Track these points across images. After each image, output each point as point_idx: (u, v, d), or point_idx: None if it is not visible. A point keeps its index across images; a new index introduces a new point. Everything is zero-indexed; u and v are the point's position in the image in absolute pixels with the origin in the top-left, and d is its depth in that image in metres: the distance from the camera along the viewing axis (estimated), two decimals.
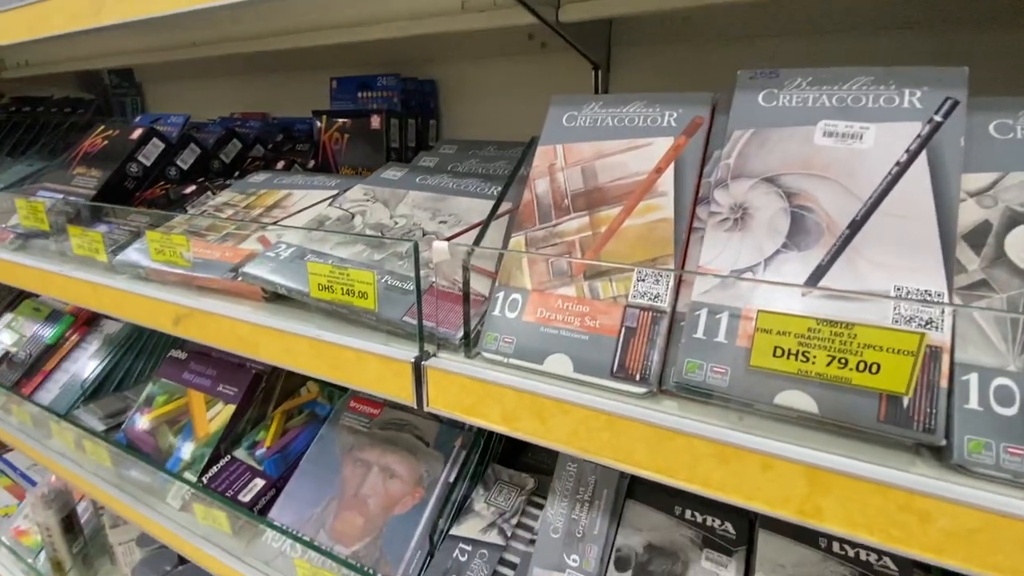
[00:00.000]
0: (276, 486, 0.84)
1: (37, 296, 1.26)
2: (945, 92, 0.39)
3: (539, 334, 0.43)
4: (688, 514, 0.61)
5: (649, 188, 0.45)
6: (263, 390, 0.96)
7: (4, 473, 1.61)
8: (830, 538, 0.56)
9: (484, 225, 0.47)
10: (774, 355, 0.33)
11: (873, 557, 0.55)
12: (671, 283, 0.40)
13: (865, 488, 0.31)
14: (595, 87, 0.85)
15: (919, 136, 0.40)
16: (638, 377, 0.39)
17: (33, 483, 1.54)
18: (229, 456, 0.89)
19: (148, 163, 0.87)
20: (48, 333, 1.19)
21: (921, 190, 0.38)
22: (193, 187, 0.83)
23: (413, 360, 0.46)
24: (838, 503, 0.31)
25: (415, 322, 0.48)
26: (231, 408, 0.93)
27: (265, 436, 0.92)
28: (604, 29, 0.81)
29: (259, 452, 0.89)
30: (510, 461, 0.80)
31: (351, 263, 0.56)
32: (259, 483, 0.84)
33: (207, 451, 0.88)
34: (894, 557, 0.55)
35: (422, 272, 0.52)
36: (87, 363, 1.14)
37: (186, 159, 0.91)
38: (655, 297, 0.40)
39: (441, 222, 0.61)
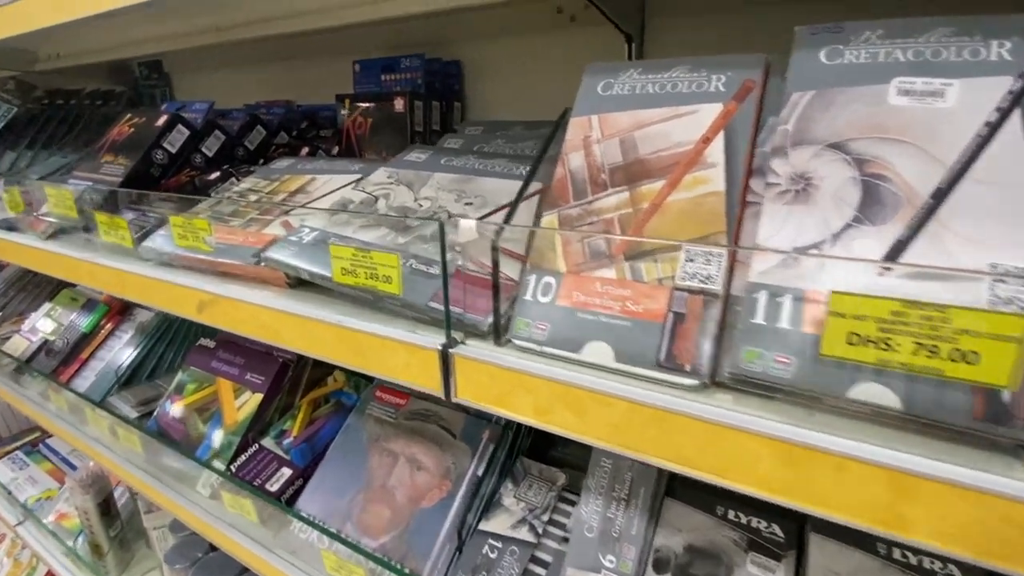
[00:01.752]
0: (303, 475, 0.83)
1: (75, 286, 1.29)
2: None
3: (575, 320, 0.40)
4: (731, 514, 0.57)
5: (696, 159, 0.41)
6: (290, 379, 0.95)
7: (47, 458, 1.67)
8: (890, 543, 0.51)
9: (513, 205, 0.44)
10: (849, 343, 0.29)
11: (938, 565, 0.51)
12: (724, 262, 0.36)
13: (959, 496, 0.27)
14: (632, 60, 0.80)
15: (1011, 92, 0.34)
16: (688, 368, 0.35)
17: (74, 468, 1.59)
18: (257, 445, 0.88)
19: (173, 150, 0.86)
20: (84, 322, 1.21)
21: (1016, 153, 0.33)
22: (217, 173, 0.82)
23: (440, 348, 0.43)
24: (926, 512, 0.27)
25: (441, 307, 0.45)
26: (259, 397, 0.93)
27: (292, 425, 0.91)
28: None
29: (286, 441, 0.89)
30: (539, 454, 0.77)
31: (375, 246, 0.53)
32: (286, 472, 0.83)
33: (235, 439, 0.88)
34: (962, 566, 0.50)
35: (448, 256, 0.50)
36: (121, 351, 1.15)
37: (211, 146, 0.90)
38: (706, 279, 0.36)
39: (467, 204, 0.58)
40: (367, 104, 0.88)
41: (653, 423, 0.35)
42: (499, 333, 0.42)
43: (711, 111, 0.42)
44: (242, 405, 0.94)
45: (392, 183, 0.65)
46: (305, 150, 0.95)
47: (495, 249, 0.40)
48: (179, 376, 1.03)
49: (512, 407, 0.40)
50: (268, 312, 0.55)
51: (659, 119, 0.44)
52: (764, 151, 0.40)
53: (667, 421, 0.34)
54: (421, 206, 0.59)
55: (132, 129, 0.89)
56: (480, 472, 0.73)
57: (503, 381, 0.40)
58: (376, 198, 0.62)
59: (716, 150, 0.40)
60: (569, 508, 0.70)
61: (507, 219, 0.47)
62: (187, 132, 0.87)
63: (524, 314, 0.42)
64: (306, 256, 0.54)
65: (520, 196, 0.46)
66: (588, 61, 0.88)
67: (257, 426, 0.92)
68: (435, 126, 0.91)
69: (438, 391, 0.44)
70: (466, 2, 0.80)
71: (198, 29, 1.02)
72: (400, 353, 0.46)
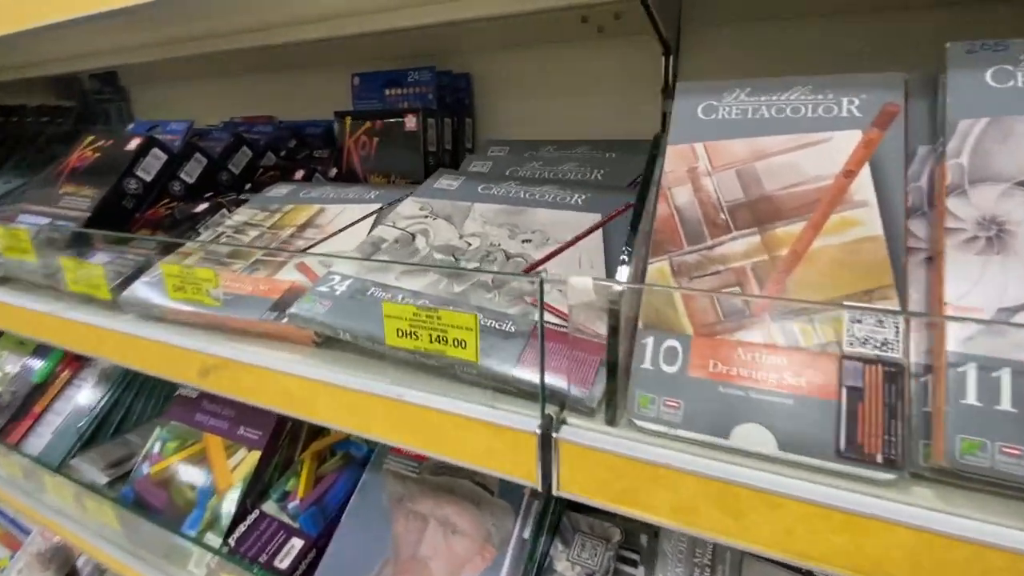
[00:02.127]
0: (316, 546, 0.72)
1: None
2: None
3: (717, 396, 0.33)
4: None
5: (840, 197, 0.35)
6: (289, 431, 0.85)
7: None
8: None
9: (629, 248, 0.36)
10: None
11: None
12: (902, 325, 0.30)
13: None
14: (665, 75, 0.74)
15: None
16: (880, 458, 0.29)
17: (26, 531, 1.40)
18: (258, 511, 0.77)
19: (149, 178, 0.74)
20: (36, 369, 1.05)
21: None
22: (204, 205, 0.71)
23: (538, 431, 0.35)
24: None
25: (529, 376, 0.37)
26: (256, 454, 0.82)
27: (296, 485, 0.81)
28: (674, 5, 0.71)
29: (292, 505, 0.78)
30: (579, 504, 0.70)
31: (427, 297, 0.45)
32: (296, 544, 0.73)
33: (232, 506, 0.77)
34: None
35: (519, 308, 0.42)
36: (82, 403, 1.01)
37: (191, 171, 0.79)
38: (882, 344, 0.30)
39: (524, 240, 0.50)
40: (372, 122, 0.79)
41: (843, 529, 0.28)
42: (614, 411, 0.35)
43: (848, 139, 0.36)
44: (237, 465, 0.82)
45: (427, 216, 0.57)
46: (300, 173, 0.85)
47: (614, 313, 0.32)
48: (157, 432, 0.90)
49: (642, 505, 0.33)
50: (296, 381, 0.45)
51: (783, 148, 0.37)
52: (919, 186, 0.34)
53: (862, 527, 0.28)
54: (470, 244, 0.51)
55: (97, 154, 0.77)
56: (527, 534, 0.65)
57: (629, 473, 0.33)
58: (413, 236, 0.53)
59: (863, 186, 0.34)
60: (630, 570, 0.63)
61: (638, 273, 0.39)
62: (164, 157, 0.76)
63: (645, 388, 0.34)
64: (344, 312, 0.45)
65: (634, 232, 0.38)
66: (616, 76, 0.83)
67: (256, 488, 0.81)
68: (447, 145, 0.83)
69: (533, 482, 0.36)
70: (479, 13, 0.73)
71: (166, 39, 0.91)
72: (480, 435, 0.38)
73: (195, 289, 0.50)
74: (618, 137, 0.74)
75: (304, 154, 0.93)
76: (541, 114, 0.86)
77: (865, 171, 0.35)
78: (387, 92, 0.84)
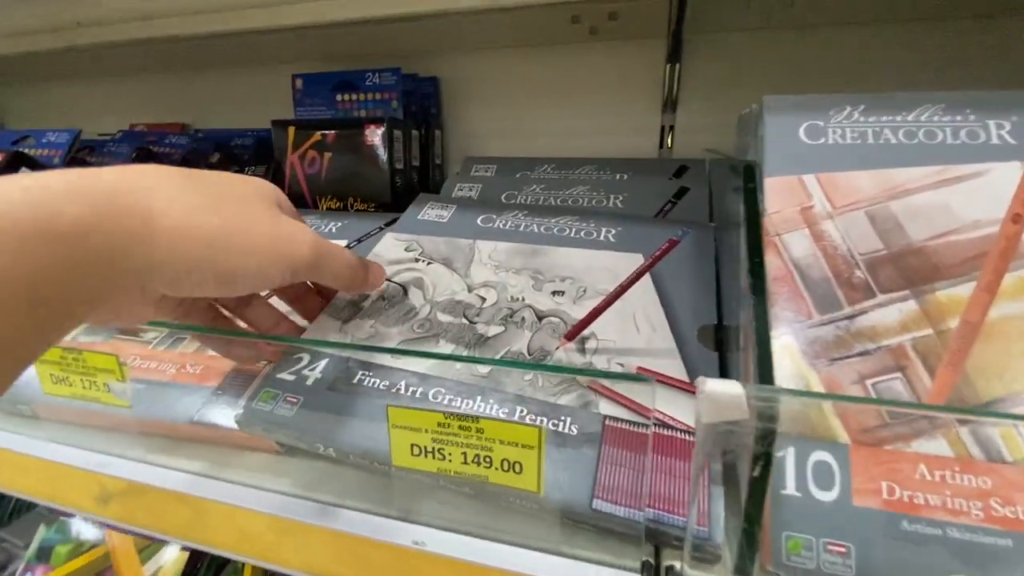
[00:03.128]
0: None
1: None
2: None
3: (901, 536, 0.23)
4: None
5: (1013, 248, 0.26)
6: None
7: None
8: None
9: (759, 323, 0.26)
10: None
11: None
12: None
13: None
14: (666, 85, 0.66)
15: None
16: None
17: None
18: None
19: None
20: None
21: None
22: None
23: None
24: None
25: (616, 511, 0.26)
26: (184, 555, 0.64)
27: None
28: (678, 6, 0.63)
29: None
30: None
31: (439, 383, 0.32)
32: None
33: None
34: None
35: (579, 397, 0.30)
36: None
37: None
38: None
39: (556, 293, 0.39)
40: (323, 133, 0.65)
41: None
42: (752, 560, 0.24)
43: (1007, 173, 0.28)
44: (158, 571, 0.64)
45: (417, 259, 0.44)
46: None
47: (768, 437, 0.22)
48: (42, 533, 0.70)
49: None
50: (251, 517, 0.31)
51: (924, 184, 0.29)
52: None
53: None
54: (484, 299, 0.39)
55: None
56: None
57: None
58: (404, 288, 0.40)
59: None
60: None
61: (763, 373, 0.29)
62: None
63: (793, 524, 0.24)
64: (321, 414, 0.32)
65: (761, 306, 0.26)
66: (611, 84, 0.74)
67: None
68: (414, 162, 0.70)
69: None
70: (451, 6, 0.61)
71: (44, 25, 0.70)
72: None
73: (88, 383, 0.34)
74: (609, 155, 0.64)
75: (231, 171, 0.76)
76: (521, 126, 0.75)
77: None
78: (339, 97, 0.70)
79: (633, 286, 0.38)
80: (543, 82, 0.72)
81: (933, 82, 0.58)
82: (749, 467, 0.23)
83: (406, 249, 0.45)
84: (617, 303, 0.37)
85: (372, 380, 0.33)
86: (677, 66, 0.64)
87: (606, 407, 0.31)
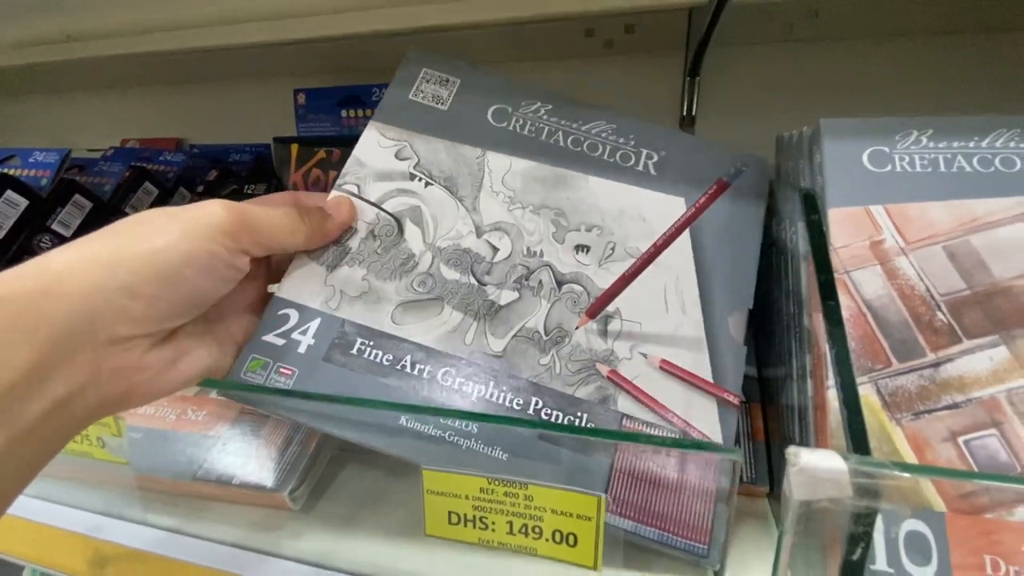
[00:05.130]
0: None
1: None
2: None
3: None
4: None
5: None
6: None
7: None
8: None
9: (840, 371, 0.23)
10: None
11: None
12: None
13: None
14: (685, 102, 0.64)
15: None
16: None
17: None
18: None
19: (0, 233, 0.52)
20: None
21: None
22: None
23: None
24: None
25: (622, 524, 0.23)
26: None
27: None
28: (702, 19, 0.61)
29: None
30: None
31: (449, 360, 0.29)
32: None
33: None
34: None
35: (598, 390, 0.28)
36: None
37: (69, 220, 0.57)
38: None
39: (579, 248, 0.34)
40: (328, 152, 0.62)
41: None
42: None
43: None
44: None
45: (412, 173, 0.36)
46: None
47: (868, 519, 0.19)
48: None
49: None
50: None
51: (1007, 216, 0.26)
52: None
53: None
54: (497, 250, 0.34)
55: None
56: None
57: None
58: (399, 223, 0.34)
59: None
60: None
61: (853, 438, 0.26)
62: (24, 202, 0.53)
63: None
64: (324, 389, 0.28)
65: (846, 360, 0.23)
66: (626, 100, 0.71)
67: None
68: None
69: None
70: (462, 19, 0.59)
71: (29, 38, 0.67)
72: None
73: (80, 437, 0.31)
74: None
75: (230, 189, 0.73)
76: None
77: None
78: (344, 113, 0.67)
79: (669, 246, 0.34)
80: None
81: (968, 97, 0.56)
82: (843, 549, 0.20)
83: (397, 155, 0.36)
84: (648, 268, 0.33)
85: (374, 352, 0.30)
86: (696, 80, 0.62)
87: (625, 403, 0.29)
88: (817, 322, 0.27)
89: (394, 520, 0.31)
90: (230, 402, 0.35)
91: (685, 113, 0.64)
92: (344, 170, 0.36)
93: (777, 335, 0.33)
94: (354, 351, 0.30)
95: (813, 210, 0.29)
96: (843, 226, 0.28)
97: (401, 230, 0.34)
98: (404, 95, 0.38)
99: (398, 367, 0.29)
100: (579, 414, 0.28)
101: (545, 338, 0.31)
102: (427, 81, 0.39)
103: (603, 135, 0.37)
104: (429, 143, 0.37)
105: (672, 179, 0.35)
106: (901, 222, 0.28)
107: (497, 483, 0.24)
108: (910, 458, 0.24)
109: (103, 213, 0.61)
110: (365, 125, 0.69)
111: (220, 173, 0.77)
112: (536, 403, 0.29)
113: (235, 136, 0.84)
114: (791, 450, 0.20)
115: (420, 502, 0.25)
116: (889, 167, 0.29)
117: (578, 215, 0.35)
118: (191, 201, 0.73)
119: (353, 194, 0.35)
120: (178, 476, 0.32)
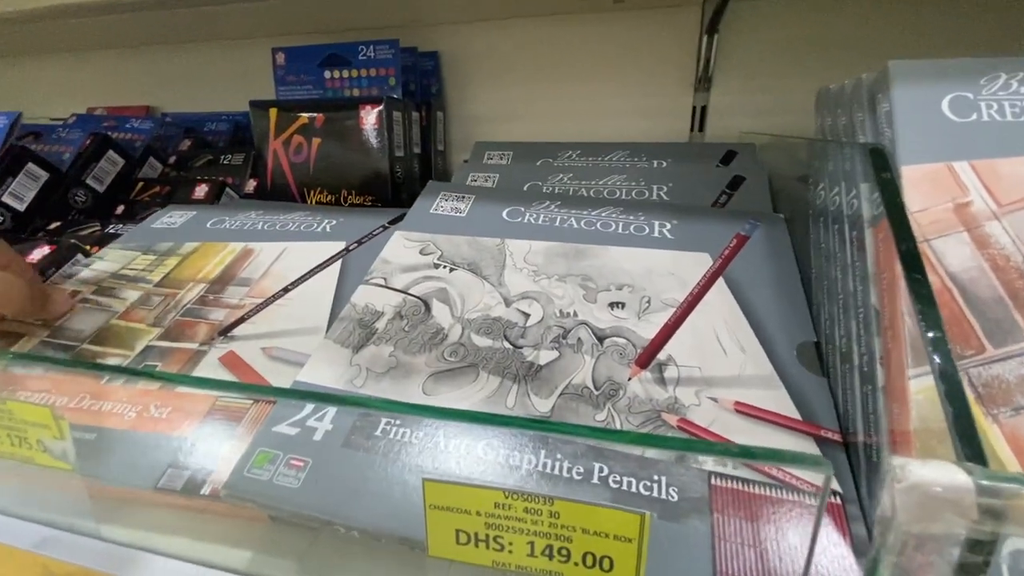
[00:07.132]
0: None
1: None
2: None
3: None
4: None
5: None
6: None
7: None
8: None
9: (940, 355, 0.19)
10: None
11: None
12: None
13: None
14: (702, 62, 0.59)
15: None
16: None
17: None
18: None
19: None
20: None
21: None
22: (44, 248, 0.45)
23: None
24: None
25: None
26: None
27: None
28: None
29: None
30: None
31: (487, 430, 0.25)
32: None
33: None
34: None
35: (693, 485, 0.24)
36: None
37: (22, 192, 0.51)
38: None
39: (614, 305, 0.32)
40: (310, 116, 0.56)
41: None
42: None
43: None
44: None
45: (437, 264, 0.36)
46: (202, 189, 0.59)
47: (991, 545, 0.15)
48: None
49: None
50: None
51: None
52: None
53: None
54: (528, 316, 0.32)
55: None
56: None
57: None
58: (426, 304, 0.33)
59: None
60: None
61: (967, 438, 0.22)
62: None
63: None
64: (332, 483, 0.24)
65: (943, 346, 0.19)
66: (636, 60, 0.66)
67: None
68: (415, 148, 0.62)
69: None
70: None
71: None
72: None
73: (17, 439, 0.26)
74: (632, 139, 0.57)
75: (204, 160, 0.67)
76: (532, 108, 0.67)
77: None
78: (327, 74, 0.61)
79: (707, 294, 0.32)
80: (559, 57, 0.64)
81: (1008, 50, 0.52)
82: None
83: (421, 252, 0.37)
84: (692, 316, 0.31)
85: (401, 431, 0.25)
86: (715, 37, 0.56)
87: (707, 457, 0.24)
88: (890, 300, 0.23)
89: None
90: (199, 397, 0.31)
91: (701, 73, 0.59)
92: (370, 269, 0.36)
93: (828, 316, 0.29)
94: (378, 433, 0.25)
95: (884, 167, 0.24)
96: (920, 187, 0.24)
97: (428, 309, 0.33)
98: (426, 210, 0.42)
99: (430, 445, 0.25)
100: (655, 477, 0.23)
101: (596, 392, 0.27)
102: (446, 199, 0.43)
103: (613, 216, 0.39)
104: (451, 240, 0.38)
105: (691, 240, 0.36)
106: (991, 181, 0.23)
107: (516, 497, 0.20)
108: (1010, 461, 0.20)
109: (62, 185, 0.56)
110: (350, 87, 0.63)
111: (193, 143, 0.71)
112: (601, 470, 0.24)
113: (211, 103, 0.78)
114: (897, 462, 0.15)
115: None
116: (975, 116, 0.24)
117: (605, 278, 0.34)
118: (162, 173, 0.67)
119: (380, 286, 0.35)
120: (138, 484, 0.27)
